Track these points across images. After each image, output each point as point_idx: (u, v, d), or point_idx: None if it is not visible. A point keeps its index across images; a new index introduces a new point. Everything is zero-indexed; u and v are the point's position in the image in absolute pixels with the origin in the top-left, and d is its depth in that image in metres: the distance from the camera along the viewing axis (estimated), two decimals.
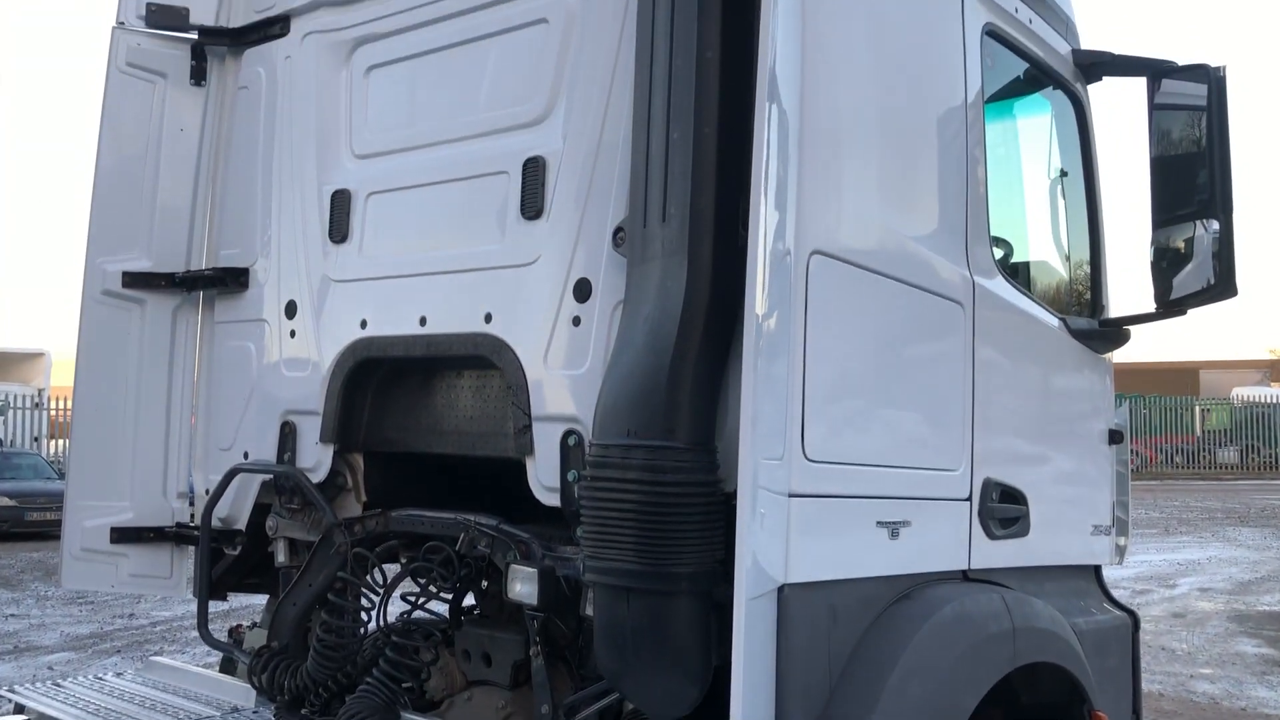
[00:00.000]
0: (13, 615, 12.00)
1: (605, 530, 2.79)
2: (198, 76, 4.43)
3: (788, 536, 2.76)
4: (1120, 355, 4.53)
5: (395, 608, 3.67)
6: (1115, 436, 4.32)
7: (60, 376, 27.45)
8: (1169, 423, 37.00)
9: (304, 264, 4.01)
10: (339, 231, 3.92)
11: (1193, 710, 8.52)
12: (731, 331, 2.88)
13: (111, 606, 12.09)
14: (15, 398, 28.20)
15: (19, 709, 4.05)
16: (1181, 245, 3.87)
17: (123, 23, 4.38)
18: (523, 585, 3.21)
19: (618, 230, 3.15)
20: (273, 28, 4.30)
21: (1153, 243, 3.96)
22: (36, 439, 27.99)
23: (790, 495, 2.78)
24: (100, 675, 4.60)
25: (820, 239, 2.91)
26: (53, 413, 28.80)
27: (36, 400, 29.01)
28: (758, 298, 2.73)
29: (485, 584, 3.68)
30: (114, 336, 4.32)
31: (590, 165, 3.28)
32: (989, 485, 3.47)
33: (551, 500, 3.26)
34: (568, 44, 3.45)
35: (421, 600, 3.56)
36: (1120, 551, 4.39)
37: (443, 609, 3.65)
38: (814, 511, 2.87)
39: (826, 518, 2.93)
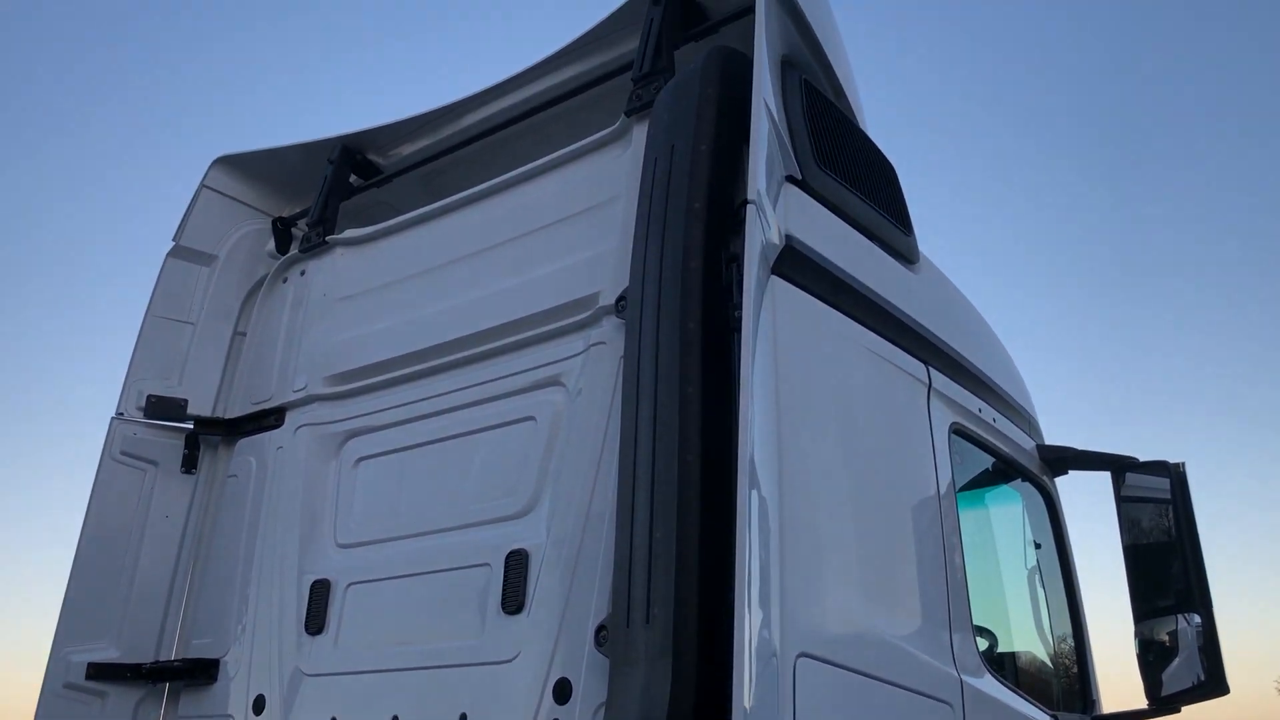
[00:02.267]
0: None
1: None
2: (189, 465, 4.53)
3: None
4: None
5: None
6: None
7: None
8: None
9: (276, 656, 3.91)
10: (315, 622, 3.85)
11: None
12: None
13: None
14: None
15: None
16: (1166, 638, 3.86)
17: (122, 414, 4.53)
18: None
19: (600, 629, 3.11)
20: (267, 419, 4.46)
21: (1136, 635, 3.95)
22: None
23: None
24: None
25: (806, 640, 2.88)
26: None
27: None
28: (745, 703, 2.65)
29: None
30: None
31: (573, 560, 3.29)
32: None
33: None
34: (554, 440, 3.57)
35: None
36: None
37: None
38: None
39: None
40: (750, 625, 2.73)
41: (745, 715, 2.62)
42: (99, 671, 4.16)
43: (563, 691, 3.13)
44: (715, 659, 2.82)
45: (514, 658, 3.29)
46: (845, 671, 2.99)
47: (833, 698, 2.92)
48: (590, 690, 3.06)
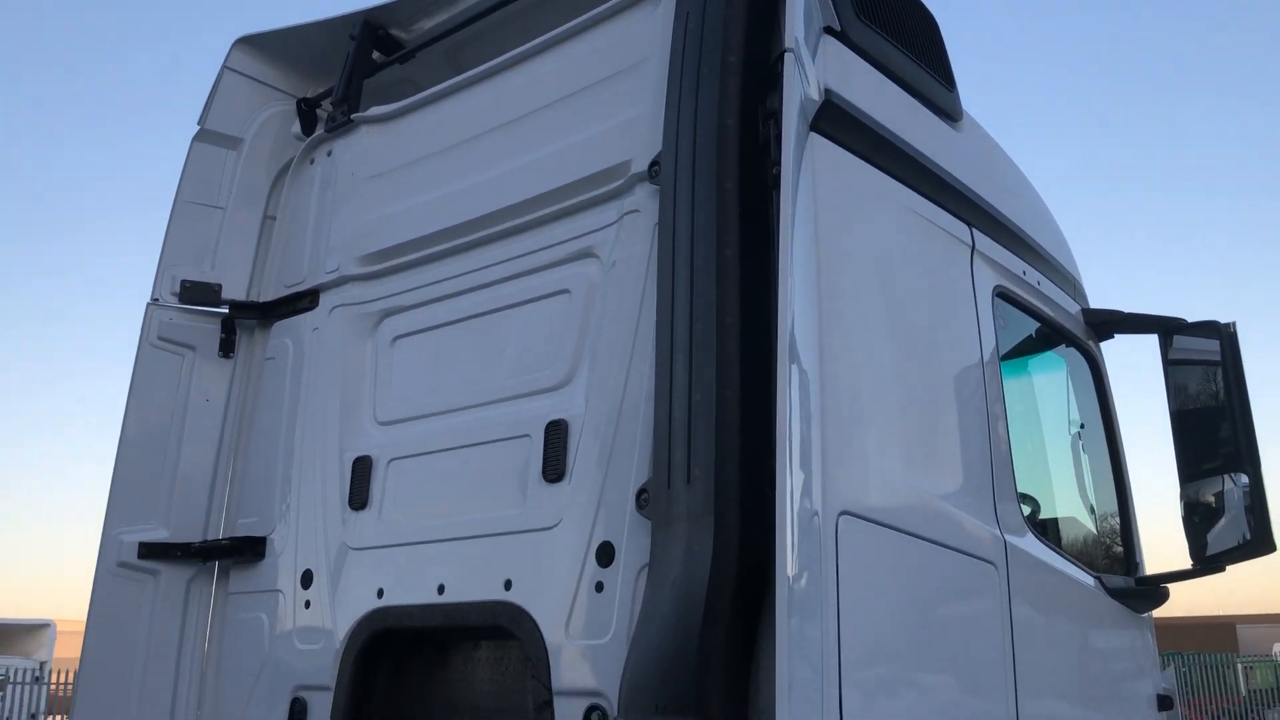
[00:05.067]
0: None
1: None
2: (226, 349, 4.54)
3: None
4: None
5: None
6: (1165, 702, 4.10)
7: (64, 648, 26.68)
8: (1211, 682, 35.38)
9: (322, 532, 3.96)
10: (358, 498, 3.89)
11: None
12: (762, 596, 2.77)
13: None
14: (16, 672, 27.31)
15: None
16: (1212, 500, 3.82)
17: (157, 299, 4.53)
18: None
19: (641, 492, 3.10)
20: (301, 301, 4.44)
21: (1182, 497, 3.91)
22: (34, 715, 26.92)
23: None
24: None
25: (848, 500, 2.85)
26: (53, 687, 27.81)
27: (37, 674, 28.09)
28: (788, 560, 2.64)
29: None
30: (125, 610, 4.22)
31: (612, 428, 3.28)
32: None
33: None
34: (589, 312, 3.53)
35: None
36: None
37: None
38: None
39: None
40: (792, 482, 2.71)
41: (788, 569, 2.62)
42: (150, 551, 4.25)
43: (606, 554, 3.14)
44: (757, 519, 2.81)
45: (556, 524, 3.30)
46: (888, 530, 2.97)
47: (875, 554, 2.91)
48: (632, 552, 3.08)
